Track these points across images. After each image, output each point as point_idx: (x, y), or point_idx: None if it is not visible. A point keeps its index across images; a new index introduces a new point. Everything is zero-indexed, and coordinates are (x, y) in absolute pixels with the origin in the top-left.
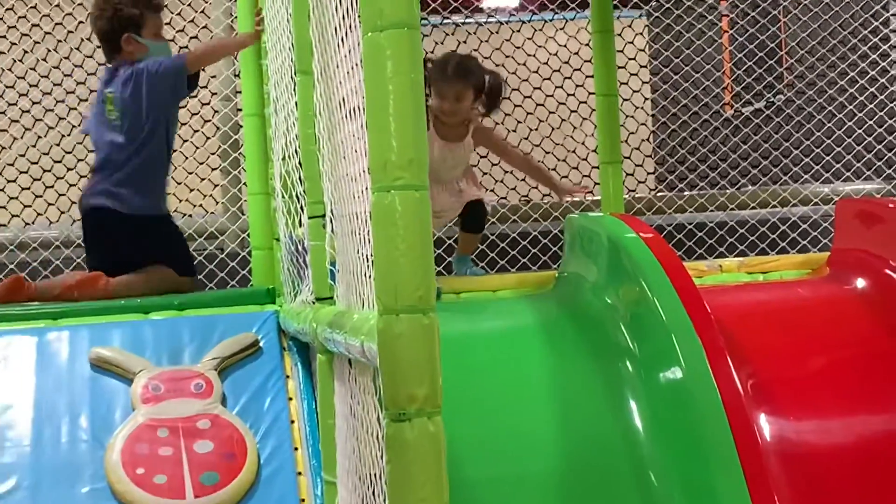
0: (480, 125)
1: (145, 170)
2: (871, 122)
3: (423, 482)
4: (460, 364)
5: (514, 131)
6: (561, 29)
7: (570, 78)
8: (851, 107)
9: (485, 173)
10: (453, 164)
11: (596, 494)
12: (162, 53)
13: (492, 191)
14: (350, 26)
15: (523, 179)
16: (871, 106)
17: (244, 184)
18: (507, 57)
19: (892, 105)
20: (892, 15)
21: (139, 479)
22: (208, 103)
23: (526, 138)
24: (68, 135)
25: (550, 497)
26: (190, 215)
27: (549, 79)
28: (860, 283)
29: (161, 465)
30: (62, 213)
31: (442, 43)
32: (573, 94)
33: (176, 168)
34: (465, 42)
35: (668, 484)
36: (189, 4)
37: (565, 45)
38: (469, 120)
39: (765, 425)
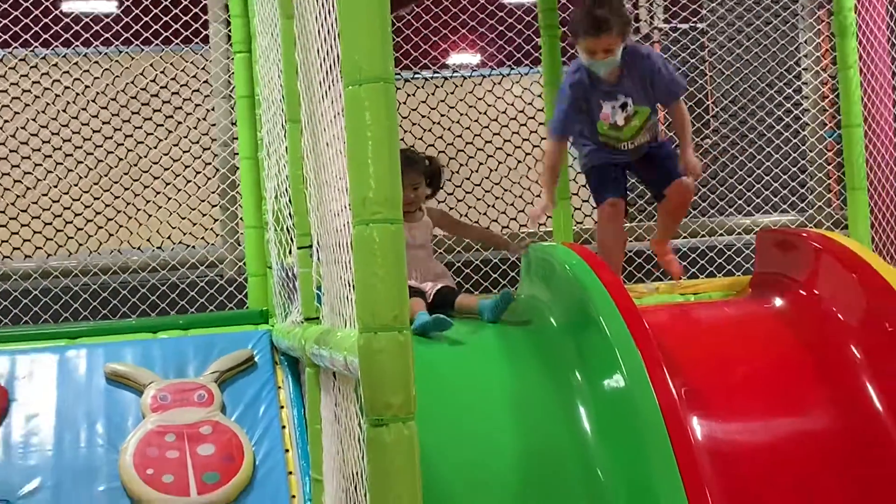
0: (436, 208)
1: None
2: (785, 162)
3: (400, 479)
4: (430, 377)
5: (476, 171)
6: (517, 82)
7: (524, 124)
8: (769, 149)
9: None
10: (422, 242)
11: (549, 490)
12: None
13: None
14: (333, 80)
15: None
16: (786, 148)
17: (241, 218)
18: (469, 107)
19: (804, 147)
20: (804, 69)
21: (149, 479)
22: (209, 148)
23: (487, 177)
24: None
25: (509, 493)
26: (193, 246)
27: (506, 125)
28: (778, 302)
29: (168, 466)
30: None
31: (413, 94)
32: (528, 139)
33: (180, 205)
34: (433, 94)
35: (613, 480)
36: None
37: (520, 96)
38: (422, 202)
39: (697, 427)
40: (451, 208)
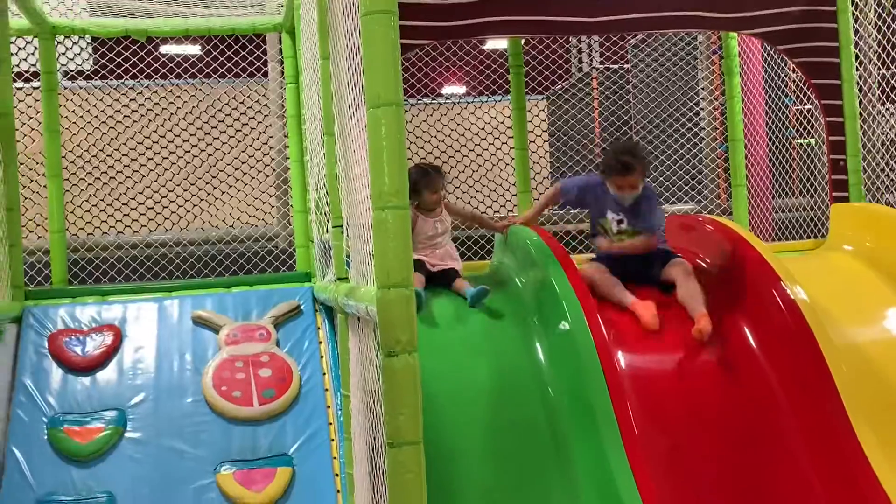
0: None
1: None
2: (688, 167)
3: (406, 395)
4: (427, 320)
5: (463, 172)
6: (492, 107)
7: (497, 138)
8: (676, 157)
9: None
10: (443, 231)
11: (514, 401)
12: None
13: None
14: (358, 104)
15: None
16: (688, 156)
17: (290, 205)
18: (458, 125)
19: (700, 156)
20: (702, 98)
21: (223, 394)
22: (267, 154)
23: (470, 177)
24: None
25: (485, 403)
26: (256, 226)
27: (485, 139)
28: None
29: (237, 385)
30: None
31: (416, 115)
32: (500, 149)
33: (247, 196)
34: (431, 115)
35: (560, 394)
36: (255, 91)
37: (494, 118)
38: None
39: (620, 358)
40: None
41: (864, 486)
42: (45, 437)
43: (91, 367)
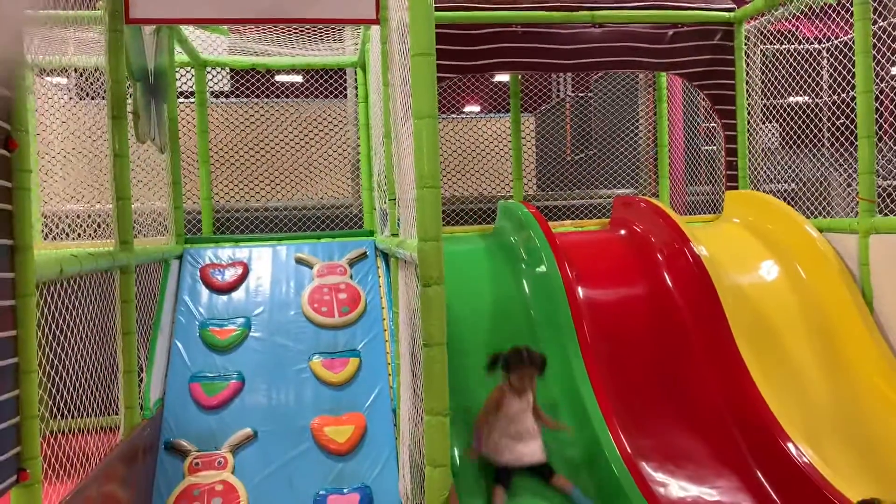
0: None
1: None
2: (630, 163)
3: (436, 312)
4: (451, 264)
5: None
6: (498, 121)
7: (500, 144)
8: (623, 156)
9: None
10: (525, 407)
11: (507, 319)
12: None
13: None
14: (407, 116)
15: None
16: (630, 157)
17: (360, 184)
18: (474, 133)
19: (638, 157)
20: (640, 118)
21: (315, 309)
22: (346, 150)
23: (477, 172)
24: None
25: (488, 320)
26: (337, 198)
27: (491, 143)
28: (622, 232)
29: (324, 303)
30: None
31: (446, 126)
32: (501, 150)
33: (331, 178)
34: (454, 128)
35: (538, 315)
36: (338, 107)
37: (499, 129)
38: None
39: (580, 291)
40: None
41: (741, 381)
42: (198, 334)
43: (228, 289)
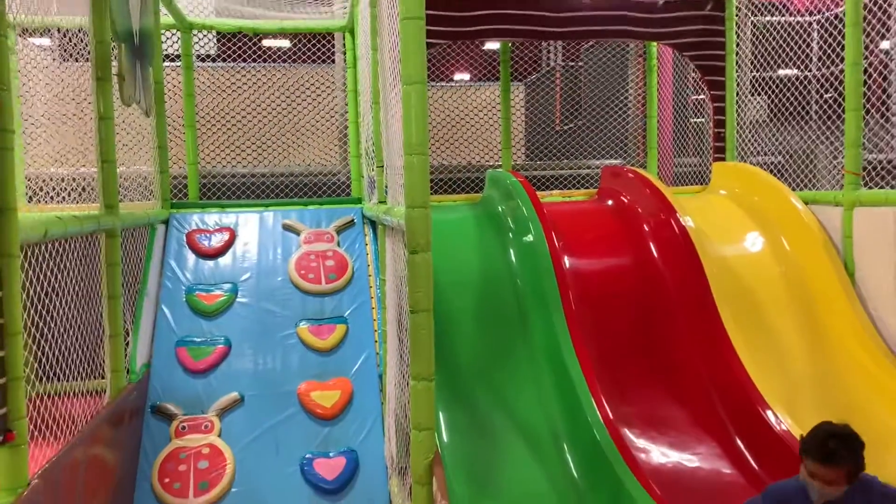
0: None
1: None
2: (619, 134)
3: (423, 280)
4: (438, 231)
5: (463, 129)
6: (488, 89)
7: (490, 111)
8: (613, 128)
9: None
10: None
11: (494, 287)
12: None
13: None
14: (395, 82)
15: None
16: (620, 127)
17: (348, 151)
18: (460, 101)
19: (627, 127)
20: (630, 88)
21: (301, 275)
22: (334, 116)
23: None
24: None
25: (474, 288)
26: (325, 165)
27: (481, 111)
28: (609, 202)
29: (311, 270)
30: None
31: (436, 94)
32: (491, 118)
33: (318, 144)
34: (443, 96)
35: (524, 284)
36: (326, 72)
37: (489, 97)
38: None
39: (567, 261)
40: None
41: (723, 350)
42: (184, 299)
43: (214, 254)
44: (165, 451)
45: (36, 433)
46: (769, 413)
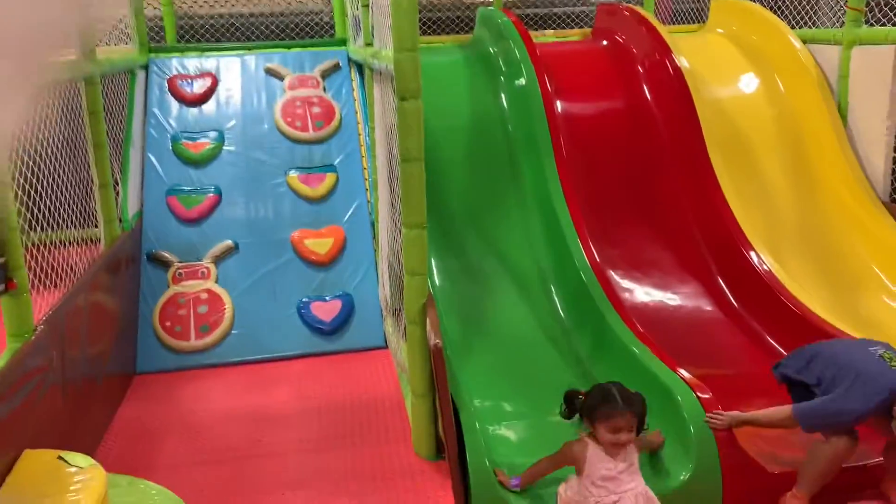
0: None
1: None
2: None
3: (413, 127)
4: (427, 76)
5: None
6: None
7: None
8: None
9: None
10: (628, 467)
11: (485, 133)
12: None
13: None
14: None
15: None
16: None
17: None
18: None
19: None
20: None
21: (288, 123)
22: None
23: None
24: None
25: (465, 134)
26: (307, 3)
27: None
28: (604, 42)
29: (298, 117)
30: None
31: None
32: None
33: None
34: None
35: (515, 129)
36: None
37: None
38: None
39: (559, 105)
40: None
41: (711, 193)
42: (170, 147)
43: (198, 100)
44: (165, 296)
45: (37, 282)
46: (752, 254)
